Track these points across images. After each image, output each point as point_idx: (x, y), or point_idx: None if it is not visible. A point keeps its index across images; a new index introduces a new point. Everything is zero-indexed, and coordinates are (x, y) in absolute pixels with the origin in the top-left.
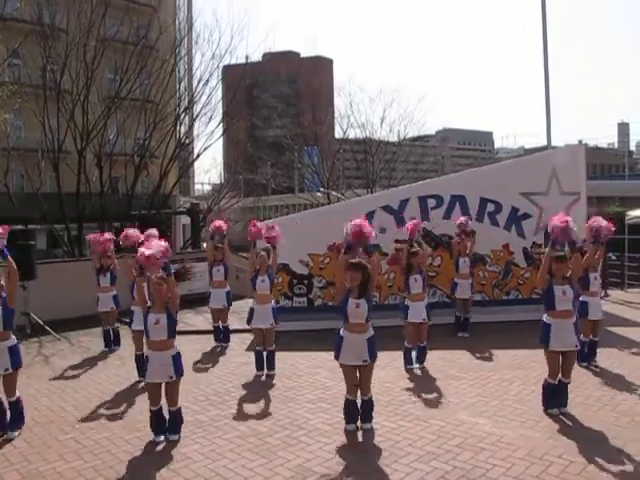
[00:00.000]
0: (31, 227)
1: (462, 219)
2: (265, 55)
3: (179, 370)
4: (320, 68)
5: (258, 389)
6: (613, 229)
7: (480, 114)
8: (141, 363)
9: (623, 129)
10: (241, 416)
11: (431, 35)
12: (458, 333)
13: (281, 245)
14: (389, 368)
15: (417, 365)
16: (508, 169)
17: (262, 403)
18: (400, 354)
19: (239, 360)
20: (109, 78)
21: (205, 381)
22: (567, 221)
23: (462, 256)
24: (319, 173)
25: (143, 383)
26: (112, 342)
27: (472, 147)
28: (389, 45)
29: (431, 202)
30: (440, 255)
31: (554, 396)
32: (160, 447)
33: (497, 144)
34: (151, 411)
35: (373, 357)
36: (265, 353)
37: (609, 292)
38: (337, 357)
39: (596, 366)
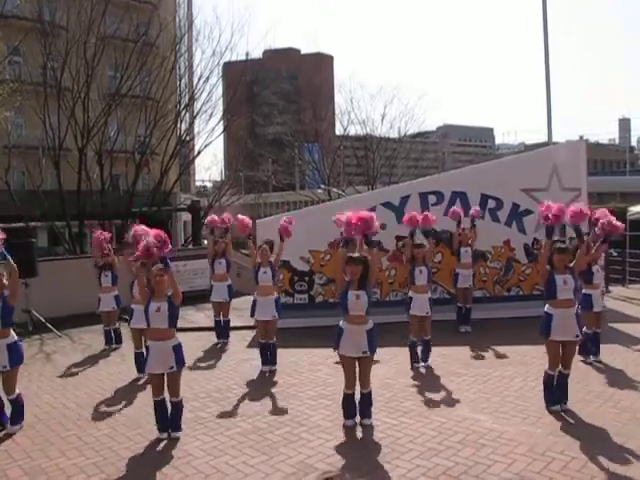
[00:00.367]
0: (32, 224)
1: (475, 210)
2: (265, 52)
3: (180, 361)
4: (321, 65)
5: (259, 386)
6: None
7: (481, 110)
8: (140, 361)
9: (624, 125)
10: (242, 413)
11: (431, 31)
12: (460, 327)
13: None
14: (390, 364)
15: (422, 364)
16: (509, 165)
17: (263, 400)
18: (401, 350)
19: (240, 357)
20: (109, 75)
21: (206, 378)
22: (561, 207)
23: (464, 246)
24: (320, 170)
25: (142, 380)
26: (113, 340)
27: (473, 143)
28: (389, 42)
29: (432, 198)
30: (441, 251)
31: (555, 389)
32: (161, 444)
33: (498, 140)
34: (154, 401)
35: (373, 350)
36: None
37: (610, 288)
38: (337, 348)
39: (600, 362)
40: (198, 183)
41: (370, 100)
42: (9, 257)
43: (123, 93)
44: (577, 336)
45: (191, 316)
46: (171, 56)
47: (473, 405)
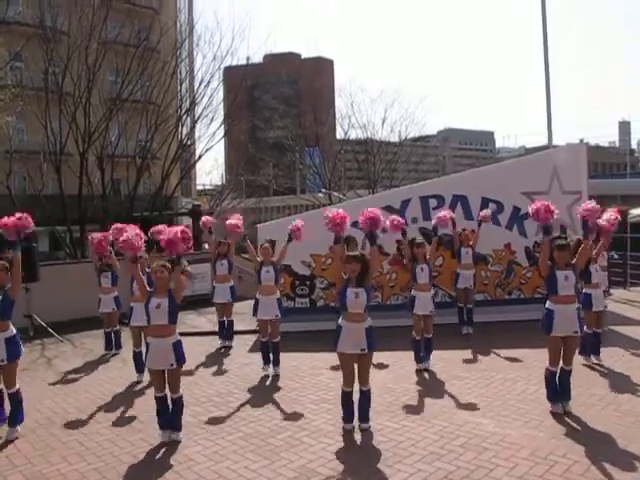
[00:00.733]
0: (33, 229)
1: (485, 212)
2: (266, 56)
3: (180, 358)
4: (321, 69)
5: (261, 390)
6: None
7: (481, 114)
8: (138, 360)
9: (624, 127)
10: (244, 417)
11: (432, 36)
12: (462, 329)
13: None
14: (392, 368)
15: (426, 364)
16: (509, 169)
17: (265, 404)
18: (403, 354)
19: (242, 361)
20: (111, 80)
21: (207, 382)
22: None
23: (465, 246)
24: (321, 174)
25: (140, 385)
26: (113, 344)
27: (473, 147)
28: (390, 46)
29: (432, 202)
30: (441, 255)
31: (556, 386)
32: (163, 449)
33: (498, 144)
34: (156, 397)
35: (372, 348)
36: (270, 346)
37: (612, 291)
38: (336, 345)
39: (600, 365)
40: (199, 187)
41: (371, 104)
42: (18, 250)
43: (124, 98)
44: (576, 332)
45: (192, 320)
46: (172, 61)
47: (475, 409)
